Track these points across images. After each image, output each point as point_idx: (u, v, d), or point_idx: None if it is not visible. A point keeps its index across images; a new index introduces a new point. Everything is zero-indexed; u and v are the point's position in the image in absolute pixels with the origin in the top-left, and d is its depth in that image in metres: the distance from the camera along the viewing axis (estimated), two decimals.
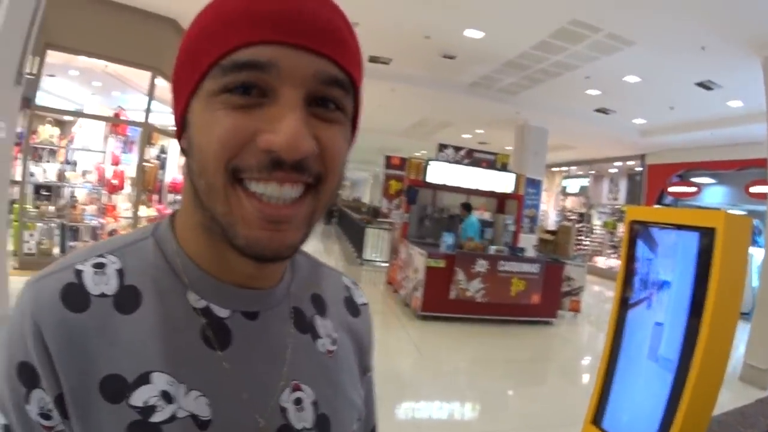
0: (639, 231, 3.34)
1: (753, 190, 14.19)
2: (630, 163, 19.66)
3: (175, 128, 0.77)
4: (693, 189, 17.12)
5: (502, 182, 12.07)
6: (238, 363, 0.79)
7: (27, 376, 0.71)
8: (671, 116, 13.30)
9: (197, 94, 0.71)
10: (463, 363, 7.87)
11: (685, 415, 2.78)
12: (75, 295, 0.73)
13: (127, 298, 0.76)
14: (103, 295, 0.74)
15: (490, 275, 9.59)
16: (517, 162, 14.65)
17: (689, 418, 2.79)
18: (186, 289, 0.79)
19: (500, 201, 12.39)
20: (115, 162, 10.67)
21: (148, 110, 10.01)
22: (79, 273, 0.75)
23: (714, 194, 16.89)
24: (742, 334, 7.85)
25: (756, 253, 11.11)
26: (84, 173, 10.23)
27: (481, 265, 9.54)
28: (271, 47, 0.67)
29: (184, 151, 0.76)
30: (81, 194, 10.30)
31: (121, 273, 0.77)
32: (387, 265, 13.40)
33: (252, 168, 0.68)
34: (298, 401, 0.84)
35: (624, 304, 3.47)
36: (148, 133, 10.41)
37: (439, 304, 9.45)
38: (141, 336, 0.74)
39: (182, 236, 0.81)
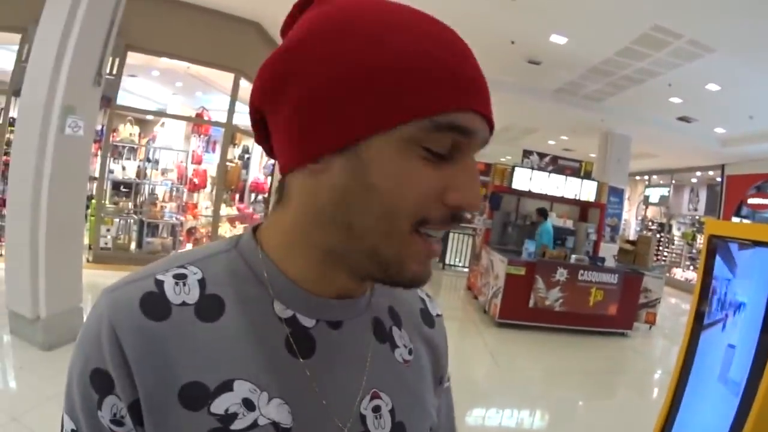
0: (718, 246, 3.23)
1: None
2: (710, 173, 19.21)
3: (306, 144, 0.73)
4: None
5: (585, 190, 11.95)
6: (320, 371, 0.80)
7: (101, 383, 0.72)
8: (751, 125, 12.90)
9: (387, 134, 0.69)
10: (536, 372, 7.80)
11: None
12: (155, 304, 0.73)
13: (209, 307, 0.76)
14: (184, 304, 0.75)
15: (569, 284, 9.44)
16: (600, 169, 14.51)
17: None
18: (271, 298, 0.79)
19: (583, 209, 12.21)
20: (197, 161, 10.91)
21: (231, 111, 10.19)
22: (159, 283, 0.76)
23: None
24: None
25: None
26: (164, 171, 10.49)
27: (561, 274, 9.39)
28: (472, 115, 0.70)
29: (309, 169, 0.74)
30: (161, 192, 10.55)
31: (203, 283, 0.77)
32: (468, 270, 13.27)
33: (436, 220, 0.71)
34: (376, 409, 0.84)
35: (699, 322, 3.28)
36: (231, 133, 10.61)
37: (517, 311, 9.36)
38: (224, 344, 0.74)
39: (272, 249, 0.81)
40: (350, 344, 0.84)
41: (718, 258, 3.11)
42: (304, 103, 0.70)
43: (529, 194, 11.82)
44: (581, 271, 9.54)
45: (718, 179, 18.62)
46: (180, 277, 0.77)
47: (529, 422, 6.17)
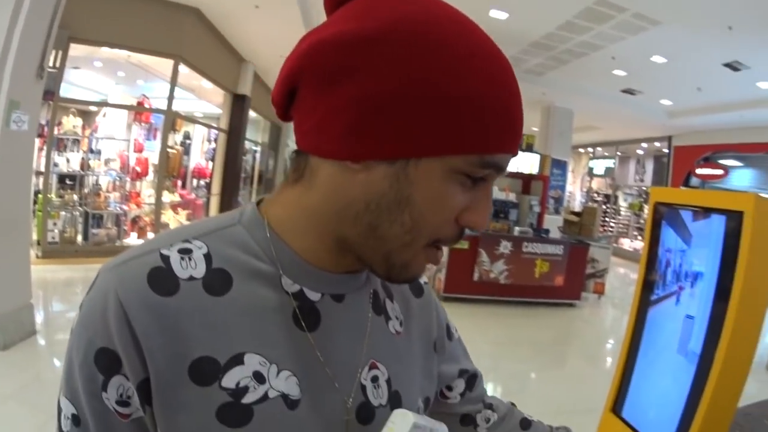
0: (664, 214, 3.19)
1: None
2: (657, 144, 19.33)
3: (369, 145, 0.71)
4: (720, 172, 16.47)
5: (528, 163, 11.88)
6: (324, 343, 0.81)
7: (107, 363, 0.70)
8: (699, 98, 12.94)
9: (439, 159, 0.70)
10: (484, 345, 7.69)
11: (708, 406, 2.61)
12: (163, 279, 0.72)
13: (217, 281, 0.75)
14: (191, 279, 0.73)
15: (514, 257, 9.39)
16: (543, 143, 14.47)
17: (713, 409, 2.61)
18: (279, 273, 0.79)
19: (525, 182, 12.01)
20: (139, 149, 10.89)
21: (171, 97, 10.24)
22: (165, 258, 0.74)
23: (742, 177, 16.21)
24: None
25: None
26: (107, 161, 10.38)
27: (505, 247, 9.33)
28: (510, 155, 0.75)
29: (348, 166, 0.73)
30: (104, 182, 10.45)
31: (208, 257, 0.76)
32: None
33: (448, 239, 0.77)
34: (375, 379, 0.86)
35: (647, 293, 3.30)
36: (172, 119, 10.59)
37: (462, 285, 9.28)
38: (233, 317, 0.74)
39: (280, 225, 0.81)
40: (352, 316, 0.86)
41: (670, 229, 3.00)
42: (368, 102, 0.69)
43: None
44: (525, 243, 9.52)
45: (666, 150, 18.74)
46: (185, 252, 0.75)
47: None
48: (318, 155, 0.76)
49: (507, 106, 0.71)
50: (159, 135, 10.77)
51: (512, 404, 1.32)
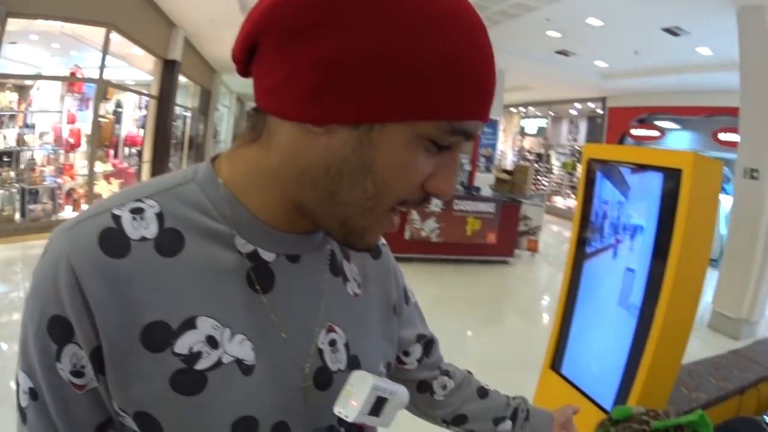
0: (600, 168, 3.18)
1: (722, 137, 13.75)
2: (591, 105, 19.35)
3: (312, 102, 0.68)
4: (656, 133, 16.70)
5: None
6: (279, 305, 0.78)
7: (59, 331, 0.68)
8: (635, 60, 12.91)
9: (405, 124, 0.67)
10: (420, 303, 7.64)
11: (651, 360, 2.67)
12: (114, 240, 0.69)
13: (169, 242, 0.72)
14: (143, 239, 0.71)
15: (445, 215, 9.37)
16: None
17: (656, 363, 2.68)
18: (233, 233, 0.76)
19: None
20: (71, 120, 10.61)
21: (102, 66, 10.03)
22: (117, 218, 0.71)
23: (679, 139, 16.44)
24: (710, 280, 7.68)
25: (724, 201, 10.85)
26: (41, 135, 10.16)
27: (436, 205, 9.22)
28: (479, 122, 0.72)
29: (312, 125, 0.70)
30: (39, 156, 10.22)
31: (161, 216, 0.73)
32: None
33: (413, 202, 0.74)
34: (332, 343, 0.84)
35: (581, 248, 3.32)
36: (104, 88, 10.44)
37: (393, 244, 8.51)
38: (185, 279, 0.72)
39: (235, 183, 0.78)
40: (308, 277, 0.83)
41: (607, 181, 3.09)
42: (333, 63, 0.65)
43: None
44: (456, 201, 9.49)
45: (600, 111, 18.82)
46: (137, 212, 0.73)
47: None
48: (278, 116, 0.72)
49: (480, 71, 0.69)
50: (91, 105, 10.59)
51: (468, 372, 1.32)
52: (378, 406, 0.79)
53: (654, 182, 2.72)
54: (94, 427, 0.75)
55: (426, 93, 0.65)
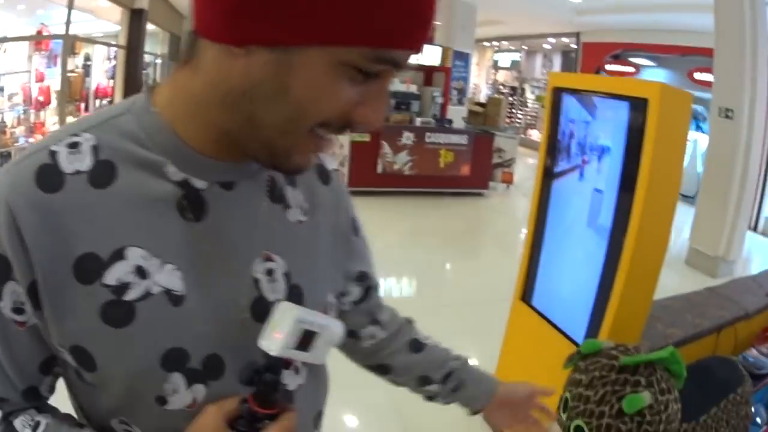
0: (564, 93, 3.09)
1: (697, 76, 13.39)
2: (564, 40, 19.04)
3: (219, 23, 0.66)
4: (631, 69, 16.35)
5: (429, 55, 11.45)
6: (212, 234, 0.77)
7: (0, 270, 0.69)
8: None
9: (327, 48, 0.64)
10: (395, 236, 7.61)
11: (622, 290, 2.60)
12: (49, 176, 0.70)
13: (102, 173, 0.72)
14: (77, 173, 0.71)
15: (417, 148, 9.24)
16: (445, 36, 13.84)
17: (627, 293, 2.61)
18: (165, 162, 0.75)
19: (427, 74, 11.71)
20: (40, 78, 10.68)
21: (68, 21, 9.99)
22: (53, 153, 0.72)
23: (654, 77, 15.79)
24: (687, 216, 7.81)
25: (700, 139, 10.83)
26: (10, 97, 10.11)
27: (408, 138, 9.15)
28: (409, 52, 0.69)
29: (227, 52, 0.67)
30: (10, 119, 10.19)
31: (96, 149, 0.73)
32: None
33: (334, 126, 0.71)
34: (269, 272, 0.82)
35: (548, 174, 3.24)
36: (71, 43, 10.41)
37: (366, 178, 9.02)
38: (117, 211, 0.72)
39: (169, 112, 0.76)
40: (243, 205, 0.81)
41: (575, 101, 3.00)
42: None
43: None
44: (428, 134, 9.35)
45: (574, 46, 18.53)
46: (74, 146, 0.73)
47: (397, 290, 5.96)
48: (205, 36, 0.69)
49: None
50: (59, 61, 10.51)
51: (409, 321, 1.24)
52: (306, 340, 0.75)
53: (621, 111, 2.65)
54: (37, 364, 0.77)
55: (347, 17, 0.61)
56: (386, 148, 9.13)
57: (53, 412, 0.82)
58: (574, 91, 3.00)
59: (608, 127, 2.76)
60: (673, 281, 5.66)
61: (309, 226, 0.90)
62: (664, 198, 2.60)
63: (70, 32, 10.12)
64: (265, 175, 0.85)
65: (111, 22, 13.69)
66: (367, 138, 9.01)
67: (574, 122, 2.99)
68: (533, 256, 3.35)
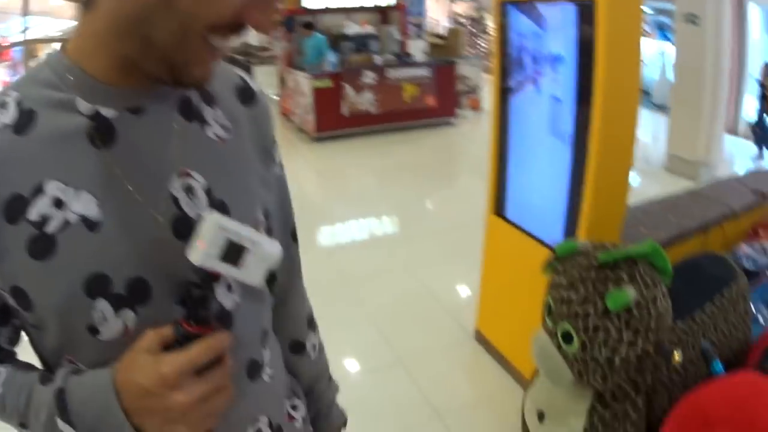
0: (511, 7, 3.01)
1: None
2: None
3: None
4: None
5: None
6: (123, 158, 0.77)
7: None
8: None
9: None
10: (370, 176, 7.57)
11: (593, 193, 2.57)
12: None
13: (24, 122, 0.74)
14: (4, 126, 0.73)
15: (379, 85, 9.13)
16: None
17: (598, 196, 2.57)
18: (74, 97, 0.76)
19: (383, 14, 11.50)
20: None
21: (25, 28, 10.06)
22: None
23: None
24: (664, 126, 7.73)
25: (668, 49, 10.59)
26: None
27: (369, 77, 9.05)
28: None
29: None
30: None
31: (20, 102, 0.75)
32: (278, 97, 11.99)
33: (226, 30, 0.72)
34: (189, 189, 0.81)
35: (505, 89, 3.17)
36: (31, 48, 10.30)
37: (332, 122, 9.04)
38: (36, 151, 0.73)
39: (76, 54, 0.77)
40: (154, 127, 0.80)
41: (523, 15, 2.92)
42: None
43: (326, 11, 10.80)
44: (389, 70, 9.25)
45: None
46: (2, 105, 0.75)
47: (380, 227, 6.00)
48: None
49: None
50: (21, 68, 10.44)
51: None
52: (235, 254, 0.72)
53: (569, 16, 2.58)
54: None
55: None
56: (348, 89, 8.99)
57: (14, 362, 0.84)
58: (519, 3, 2.93)
59: (558, 36, 2.71)
60: (654, 188, 5.63)
61: (232, 143, 0.89)
62: (624, 101, 2.54)
63: (30, 37, 10.01)
64: (176, 96, 0.84)
65: (68, 18, 13.66)
66: (328, 83, 8.88)
67: (525, 36, 2.95)
68: (501, 169, 3.32)
